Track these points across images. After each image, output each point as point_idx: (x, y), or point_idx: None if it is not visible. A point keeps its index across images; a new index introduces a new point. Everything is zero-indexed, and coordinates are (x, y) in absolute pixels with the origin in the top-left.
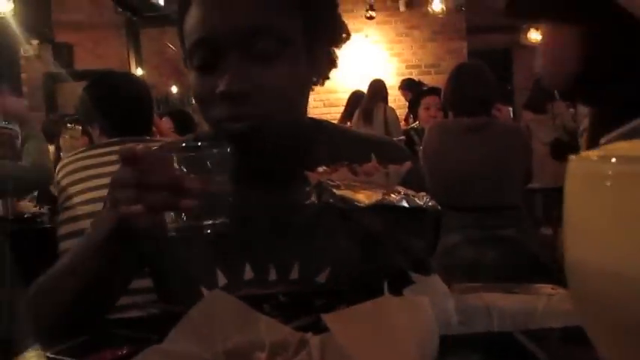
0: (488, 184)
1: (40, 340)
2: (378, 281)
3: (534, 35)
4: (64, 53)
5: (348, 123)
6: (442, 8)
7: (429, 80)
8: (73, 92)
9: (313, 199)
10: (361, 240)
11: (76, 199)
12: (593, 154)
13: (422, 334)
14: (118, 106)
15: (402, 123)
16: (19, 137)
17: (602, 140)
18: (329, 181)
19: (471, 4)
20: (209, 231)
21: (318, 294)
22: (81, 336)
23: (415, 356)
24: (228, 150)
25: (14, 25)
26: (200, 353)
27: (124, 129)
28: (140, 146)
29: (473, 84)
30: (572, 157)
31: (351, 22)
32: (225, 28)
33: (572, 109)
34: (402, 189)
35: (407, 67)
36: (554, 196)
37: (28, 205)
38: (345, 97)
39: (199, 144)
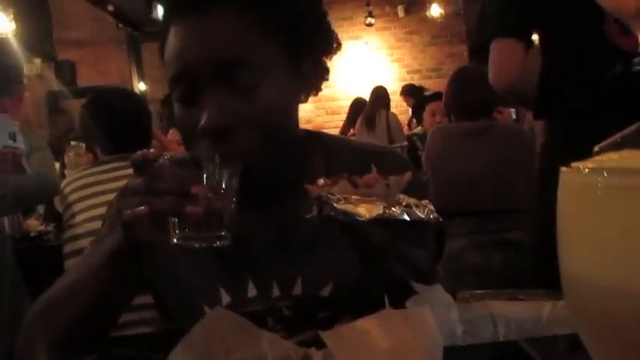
0: (492, 187)
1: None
2: (382, 293)
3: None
4: (66, 70)
5: (351, 130)
6: (440, 13)
7: (430, 84)
8: (76, 109)
9: (314, 212)
10: (363, 253)
11: (81, 217)
12: (585, 165)
13: (425, 346)
14: (114, 123)
15: (405, 128)
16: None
17: (596, 148)
18: (329, 195)
19: (469, 7)
20: (213, 244)
21: (321, 307)
22: (85, 356)
23: None
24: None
25: (16, 44)
26: None
27: (123, 145)
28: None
29: (473, 87)
30: (564, 168)
31: (350, 29)
32: (201, 62)
33: None
34: (404, 198)
35: (408, 72)
36: None
37: (34, 224)
38: (347, 104)
39: (213, 156)
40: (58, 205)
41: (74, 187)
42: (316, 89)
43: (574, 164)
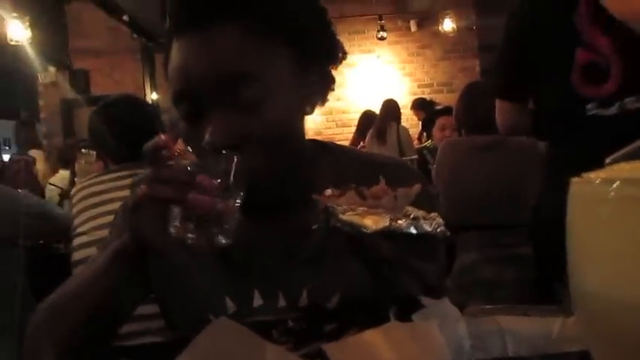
0: (503, 201)
1: None
2: (388, 307)
3: None
4: (81, 79)
5: (362, 143)
6: (453, 28)
7: (441, 99)
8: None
9: (321, 223)
10: (369, 265)
11: (89, 225)
12: (596, 176)
13: None
14: (123, 131)
15: (415, 142)
16: (35, 164)
17: (607, 160)
18: (336, 206)
19: (481, 22)
20: (208, 242)
21: (327, 319)
22: None
23: None
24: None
25: (31, 53)
26: None
27: (132, 153)
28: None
29: (484, 102)
30: (575, 179)
31: (362, 42)
32: (205, 78)
33: None
34: (412, 210)
35: (419, 86)
36: None
37: None
38: (357, 117)
39: (223, 152)
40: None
41: (83, 195)
42: (322, 100)
43: (585, 175)
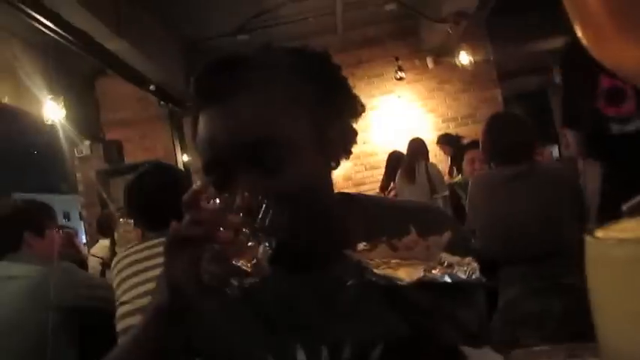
0: (541, 231)
1: None
2: (430, 357)
3: None
4: (114, 150)
5: (392, 184)
6: (470, 60)
7: (467, 131)
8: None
9: (355, 278)
10: (407, 317)
11: (131, 294)
12: (607, 233)
13: None
14: (155, 200)
15: (446, 177)
16: (78, 235)
17: (624, 208)
18: (369, 260)
19: (498, 52)
20: (236, 280)
21: None
22: None
23: None
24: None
25: (67, 129)
26: None
27: (165, 220)
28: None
29: (509, 132)
30: (588, 237)
31: (382, 85)
32: (230, 147)
33: None
34: (445, 258)
35: (443, 120)
36: None
37: None
38: (385, 158)
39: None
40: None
41: (124, 265)
42: (346, 153)
43: (598, 233)
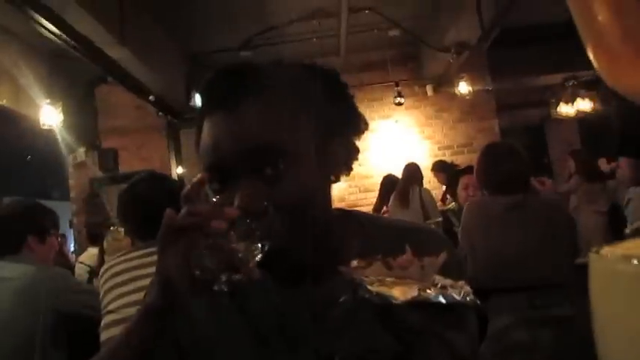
0: (534, 261)
1: None
2: None
3: (565, 109)
4: (109, 158)
5: (385, 207)
6: (469, 90)
7: (462, 159)
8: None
9: (348, 295)
10: (400, 335)
11: (118, 303)
12: (613, 251)
13: None
14: (146, 210)
15: (439, 204)
16: (66, 243)
17: (627, 231)
18: (363, 277)
19: (497, 83)
20: (230, 279)
21: None
22: None
23: None
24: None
25: (63, 135)
26: None
27: (157, 231)
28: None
29: (504, 162)
30: (593, 255)
31: (381, 109)
32: (232, 152)
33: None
34: (439, 280)
35: (439, 148)
36: None
37: None
38: (379, 181)
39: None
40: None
41: (112, 274)
42: (347, 169)
43: (603, 250)
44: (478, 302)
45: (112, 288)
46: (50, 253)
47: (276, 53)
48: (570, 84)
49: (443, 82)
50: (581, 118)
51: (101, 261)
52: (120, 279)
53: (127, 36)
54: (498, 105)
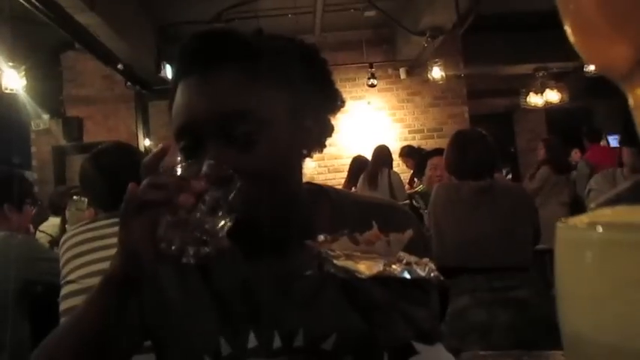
0: (496, 245)
1: None
2: (382, 352)
3: (533, 99)
4: (74, 126)
5: (353, 188)
6: (441, 75)
7: (432, 144)
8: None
9: (314, 269)
10: (364, 310)
11: (78, 273)
12: (580, 221)
13: None
14: (113, 179)
15: (407, 187)
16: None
17: (592, 205)
18: (329, 251)
19: (470, 70)
20: (197, 252)
21: None
22: None
23: None
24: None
25: (26, 100)
26: None
27: (121, 201)
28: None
29: (474, 149)
30: (560, 223)
31: (353, 89)
32: (204, 115)
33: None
34: (404, 256)
35: (410, 131)
36: None
37: None
38: (349, 162)
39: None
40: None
41: (73, 243)
42: (320, 146)
43: (570, 219)
44: (442, 279)
45: (72, 258)
46: (26, 221)
47: (249, 28)
48: (540, 75)
49: (416, 66)
50: (549, 109)
51: (62, 230)
52: (81, 249)
53: (97, 1)
54: (469, 92)
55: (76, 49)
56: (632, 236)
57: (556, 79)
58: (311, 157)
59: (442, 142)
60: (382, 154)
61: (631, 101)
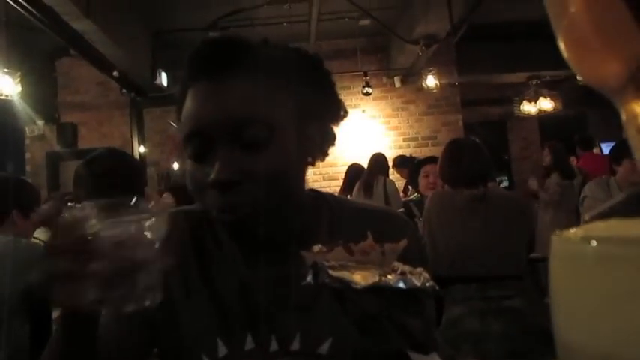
0: (490, 254)
1: None
2: (378, 358)
3: (527, 107)
4: (68, 133)
5: (348, 196)
6: (436, 84)
7: (426, 152)
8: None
9: (309, 279)
10: (359, 319)
11: None
12: (575, 233)
13: None
14: (107, 186)
15: (402, 195)
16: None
17: (586, 217)
18: (325, 262)
19: (464, 78)
20: (133, 304)
21: None
22: None
23: None
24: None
25: (21, 106)
26: None
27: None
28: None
29: (469, 158)
30: (554, 236)
31: (348, 98)
32: (214, 120)
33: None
34: (399, 265)
35: (404, 140)
36: None
37: None
38: (344, 170)
39: (133, 201)
40: None
41: None
42: (323, 154)
43: (564, 233)
44: (437, 288)
45: None
46: (32, 228)
47: (248, 36)
48: (534, 83)
49: (411, 74)
50: (542, 117)
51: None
52: None
53: (93, 8)
54: (463, 100)
55: (71, 56)
56: (626, 250)
57: (549, 88)
58: (314, 165)
59: (436, 150)
60: (379, 162)
61: (623, 115)
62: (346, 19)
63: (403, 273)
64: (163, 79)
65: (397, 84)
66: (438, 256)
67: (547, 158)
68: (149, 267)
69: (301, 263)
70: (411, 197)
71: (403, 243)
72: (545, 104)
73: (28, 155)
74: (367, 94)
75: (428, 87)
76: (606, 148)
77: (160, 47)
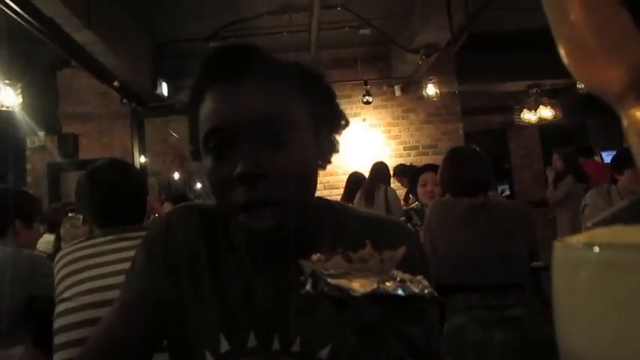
0: (492, 263)
1: None
2: None
3: (527, 116)
4: (69, 143)
5: (350, 204)
6: (436, 92)
7: (427, 160)
8: (75, 181)
9: (308, 288)
10: (358, 327)
11: (74, 291)
12: (577, 239)
13: None
14: (109, 196)
15: (402, 203)
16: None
17: (588, 224)
18: (323, 270)
19: (464, 87)
20: None
21: None
22: None
23: None
24: None
25: (22, 117)
26: None
27: (117, 218)
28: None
29: (469, 166)
30: (557, 242)
31: (349, 107)
32: (238, 117)
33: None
34: (398, 274)
35: (404, 148)
36: None
37: None
38: (344, 179)
39: None
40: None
41: (68, 260)
42: (327, 161)
43: (566, 240)
44: (436, 295)
45: (67, 275)
46: (35, 238)
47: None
48: (534, 91)
49: (411, 83)
50: (543, 126)
51: (57, 247)
52: (76, 266)
53: (94, 20)
54: (463, 109)
55: (72, 67)
56: (628, 257)
57: (549, 96)
58: (325, 168)
59: (437, 159)
60: (380, 170)
61: (624, 122)
62: (346, 29)
63: (402, 281)
64: (164, 89)
65: (397, 93)
66: (438, 264)
67: (558, 163)
68: None
69: (300, 272)
70: (412, 206)
71: (402, 251)
72: (546, 113)
73: (28, 166)
74: (367, 102)
75: (428, 96)
76: (607, 156)
77: (160, 57)
